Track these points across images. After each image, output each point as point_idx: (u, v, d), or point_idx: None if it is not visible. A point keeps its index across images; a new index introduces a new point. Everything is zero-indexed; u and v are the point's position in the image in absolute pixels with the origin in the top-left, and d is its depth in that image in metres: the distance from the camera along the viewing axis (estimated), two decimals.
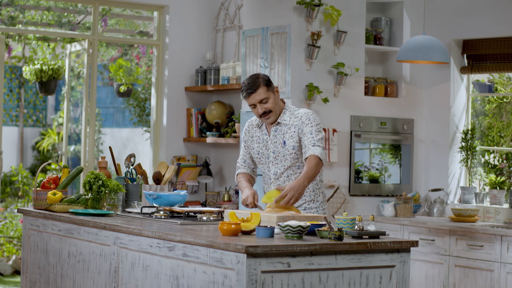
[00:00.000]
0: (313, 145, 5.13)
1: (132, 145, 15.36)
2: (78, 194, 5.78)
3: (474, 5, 7.28)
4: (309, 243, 4.13)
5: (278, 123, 5.27)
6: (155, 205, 5.30)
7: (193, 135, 8.53)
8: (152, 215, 5.22)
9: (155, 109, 8.60)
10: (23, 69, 9.37)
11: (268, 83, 5.21)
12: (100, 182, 5.56)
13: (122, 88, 9.70)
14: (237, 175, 5.47)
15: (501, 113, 7.52)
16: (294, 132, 5.23)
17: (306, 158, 5.13)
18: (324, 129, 7.00)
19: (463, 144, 7.36)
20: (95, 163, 10.56)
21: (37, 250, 5.72)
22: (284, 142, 5.24)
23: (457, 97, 7.49)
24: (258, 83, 5.18)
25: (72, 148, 14.12)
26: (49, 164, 12.41)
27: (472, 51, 7.41)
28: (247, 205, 5.17)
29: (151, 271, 4.60)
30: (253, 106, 5.23)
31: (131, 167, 5.88)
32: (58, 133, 14.49)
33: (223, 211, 5.15)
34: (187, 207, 5.43)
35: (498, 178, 7.23)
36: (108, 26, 9.06)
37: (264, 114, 5.23)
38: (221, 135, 8.34)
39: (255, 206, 5.14)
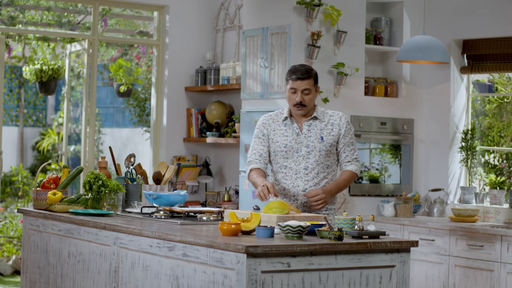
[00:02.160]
0: (356, 160, 5.42)
1: (132, 145, 15.35)
2: (78, 194, 5.77)
3: (474, 5, 7.28)
4: (309, 243, 4.13)
5: (315, 117, 5.36)
6: (155, 205, 5.30)
7: (193, 135, 8.53)
8: (152, 215, 5.22)
9: (155, 109, 8.60)
10: (23, 69, 9.36)
11: (317, 80, 5.36)
12: (100, 182, 5.56)
13: (122, 88, 9.69)
14: (250, 170, 5.34)
15: (501, 113, 7.52)
16: (333, 130, 5.35)
17: (345, 170, 5.39)
18: None
19: (463, 144, 7.36)
20: (95, 163, 10.55)
21: (37, 250, 5.72)
22: (322, 138, 5.32)
23: (457, 97, 7.49)
24: (311, 74, 5.31)
25: (72, 148, 14.11)
26: (49, 164, 12.41)
27: (472, 51, 7.41)
28: (264, 195, 5.03)
29: (151, 271, 4.60)
30: (294, 91, 5.30)
31: (131, 167, 5.88)
32: (58, 133, 14.48)
33: (223, 211, 5.14)
34: (187, 207, 5.43)
35: (498, 178, 7.22)
36: (108, 26, 9.05)
37: (300, 104, 5.29)
38: (221, 135, 8.34)
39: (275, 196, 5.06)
